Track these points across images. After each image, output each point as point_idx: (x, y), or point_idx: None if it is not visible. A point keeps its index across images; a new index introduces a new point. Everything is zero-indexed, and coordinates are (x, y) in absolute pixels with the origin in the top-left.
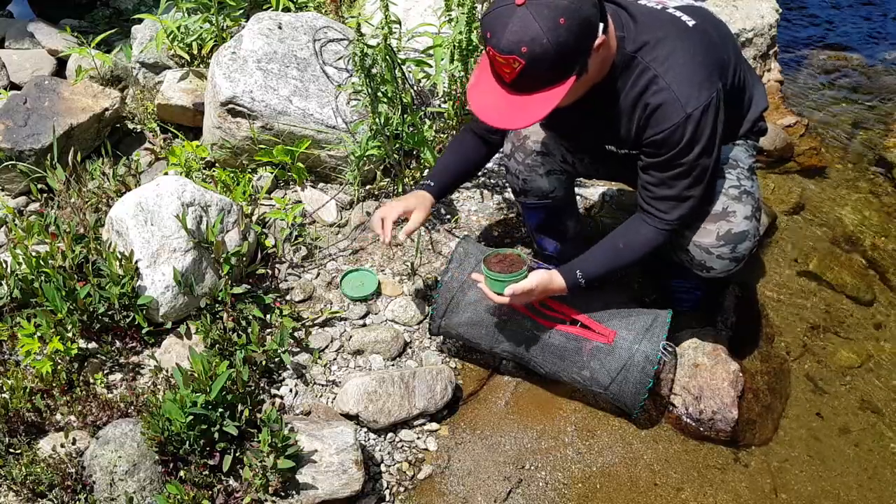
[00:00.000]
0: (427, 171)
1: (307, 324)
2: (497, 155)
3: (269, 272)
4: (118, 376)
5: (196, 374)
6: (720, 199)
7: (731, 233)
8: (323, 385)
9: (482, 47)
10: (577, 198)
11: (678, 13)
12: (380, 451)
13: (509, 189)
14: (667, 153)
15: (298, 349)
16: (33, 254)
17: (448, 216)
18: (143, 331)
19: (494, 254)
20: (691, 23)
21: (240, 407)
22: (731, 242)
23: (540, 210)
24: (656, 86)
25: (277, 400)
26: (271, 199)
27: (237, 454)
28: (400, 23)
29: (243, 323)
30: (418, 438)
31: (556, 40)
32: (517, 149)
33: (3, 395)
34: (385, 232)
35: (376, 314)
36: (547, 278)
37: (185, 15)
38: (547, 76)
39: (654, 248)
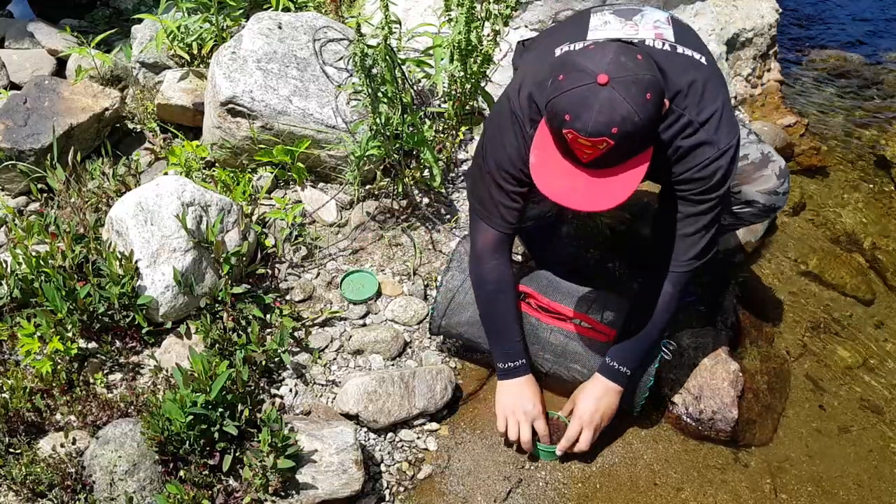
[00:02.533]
0: (501, 338)
1: (307, 324)
2: None
3: (269, 272)
4: (118, 376)
5: (196, 374)
6: (752, 147)
7: (781, 169)
8: (323, 385)
9: (563, 131)
10: None
11: (688, 51)
12: (380, 450)
13: None
14: (700, 187)
15: (298, 349)
16: (33, 254)
17: (448, 216)
18: (143, 331)
19: None
20: (704, 60)
21: (240, 407)
22: (784, 177)
23: (535, 228)
24: (691, 129)
25: (277, 400)
26: (271, 198)
27: (237, 454)
28: (400, 23)
29: (243, 323)
30: (418, 438)
31: (647, 116)
32: None
33: (3, 395)
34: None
35: (376, 314)
36: (590, 395)
37: (185, 15)
38: (632, 151)
39: (678, 301)
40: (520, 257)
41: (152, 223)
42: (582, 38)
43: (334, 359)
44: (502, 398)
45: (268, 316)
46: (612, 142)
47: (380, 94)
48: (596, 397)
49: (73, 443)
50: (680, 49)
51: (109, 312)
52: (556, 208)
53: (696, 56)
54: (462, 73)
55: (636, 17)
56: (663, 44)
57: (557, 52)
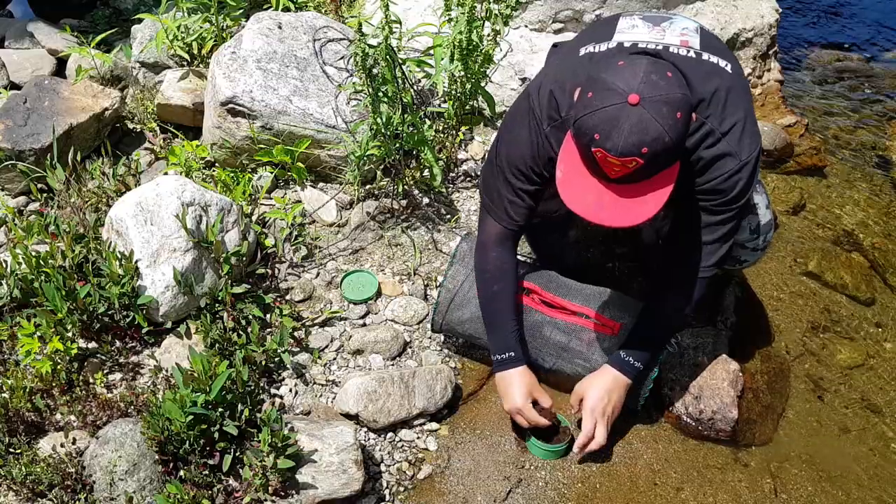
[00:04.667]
0: (494, 330)
1: (307, 323)
2: None
3: (269, 272)
4: (118, 376)
5: (196, 374)
6: None
7: (760, 224)
8: (323, 385)
9: (592, 149)
10: None
11: (713, 58)
12: (380, 450)
13: None
14: (721, 198)
15: (298, 349)
16: (33, 254)
17: (448, 216)
18: (143, 330)
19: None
20: (728, 68)
21: (240, 407)
22: (763, 234)
23: (539, 226)
24: (713, 138)
25: (277, 400)
26: (271, 198)
27: (237, 454)
28: (400, 22)
29: (243, 323)
30: (418, 438)
31: (677, 135)
32: None
33: (3, 395)
34: (540, 420)
35: (376, 314)
36: (601, 387)
37: (186, 14)
38: (660, 168)
39: (693, 306)
40: (521, 257)
41: (152, 223)
42: (607, 38)
43: (334, 359)
44: (498, 391)
45: (268, 316)
46: (641, 161)
47: (380, 94)
48: (607, 389)
49: (73, 443)
50: (705, 56)
51: (109, 312)
52: (564, 207)
53: (721, 63)
54: (462, 73)
55: (664, 24)
56: (688, 51)
57: (582, 51)
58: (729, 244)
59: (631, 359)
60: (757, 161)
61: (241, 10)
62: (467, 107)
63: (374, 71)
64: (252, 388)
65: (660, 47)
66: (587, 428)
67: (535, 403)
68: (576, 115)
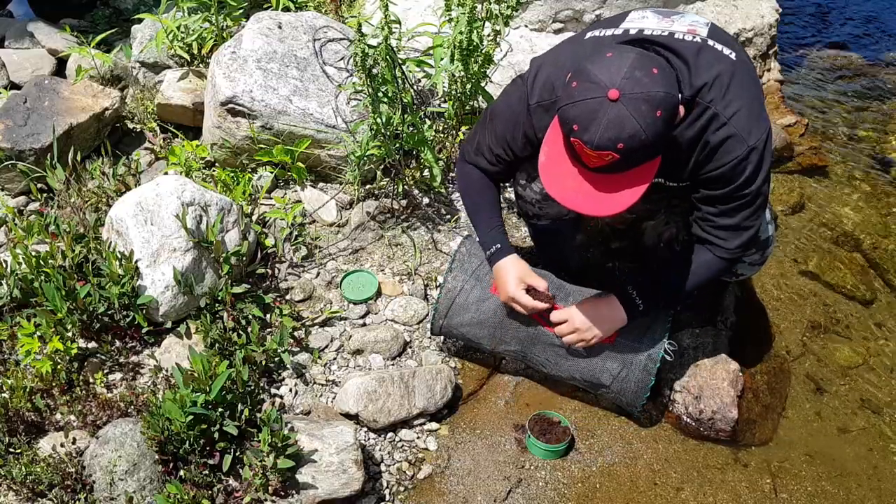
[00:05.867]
0: (480, 229)
1: (307, 323)
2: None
3: (269, 272)
4: (118, 376)
5: (196, 374)
6: None
7: (760, 240)
8: (323, 385)
9: (571, 139)
10: None
11: (718, 45)
12: (380, 450)
13: (510, 189)
14: (729, 185)
15: (298, 349)
16: (33, 253)
17: (448, 216)
18: (143, 330)
19: (535, 417)
20: (733, 55)
21: (240, 407)
22: (761, 249)
23: (549, 228)
24: (718, 122)
25: (277, 400)
26: (271, 198)
27: (237, 454)
28: (400, 22)
29: (243, 322)
30: (418, 438)
31: (655, 133)
32: (535, 180)
33: (3, 395)
34: (536, 304)
35: (376, 314)
36: (593, 309)
37: (186, 14)
38: (638, 162)
39: (714, 271)
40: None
41: (152, 223)
42: (615, 25)
43: (334, 359)
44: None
45: (268, 316)
46: (617, 156)
47: (380, 94)
48: (598, 312)
49: (73, 443)
50: (710, 42)
51: (109, 312)
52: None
53: (726, 51)
54: (462, 73)
55: (675, 16)
56: (694, 37)
57: (588, 35)
58: (751, 232)
59: (635, 294)
60: (766, 146)
61: (241, 10)
62: (467, 107)
63: (374, 71)
64: (252, 388)
65: (665, 33)
66: (559, 319)
67: (531, 290)
68: (560, 103)
